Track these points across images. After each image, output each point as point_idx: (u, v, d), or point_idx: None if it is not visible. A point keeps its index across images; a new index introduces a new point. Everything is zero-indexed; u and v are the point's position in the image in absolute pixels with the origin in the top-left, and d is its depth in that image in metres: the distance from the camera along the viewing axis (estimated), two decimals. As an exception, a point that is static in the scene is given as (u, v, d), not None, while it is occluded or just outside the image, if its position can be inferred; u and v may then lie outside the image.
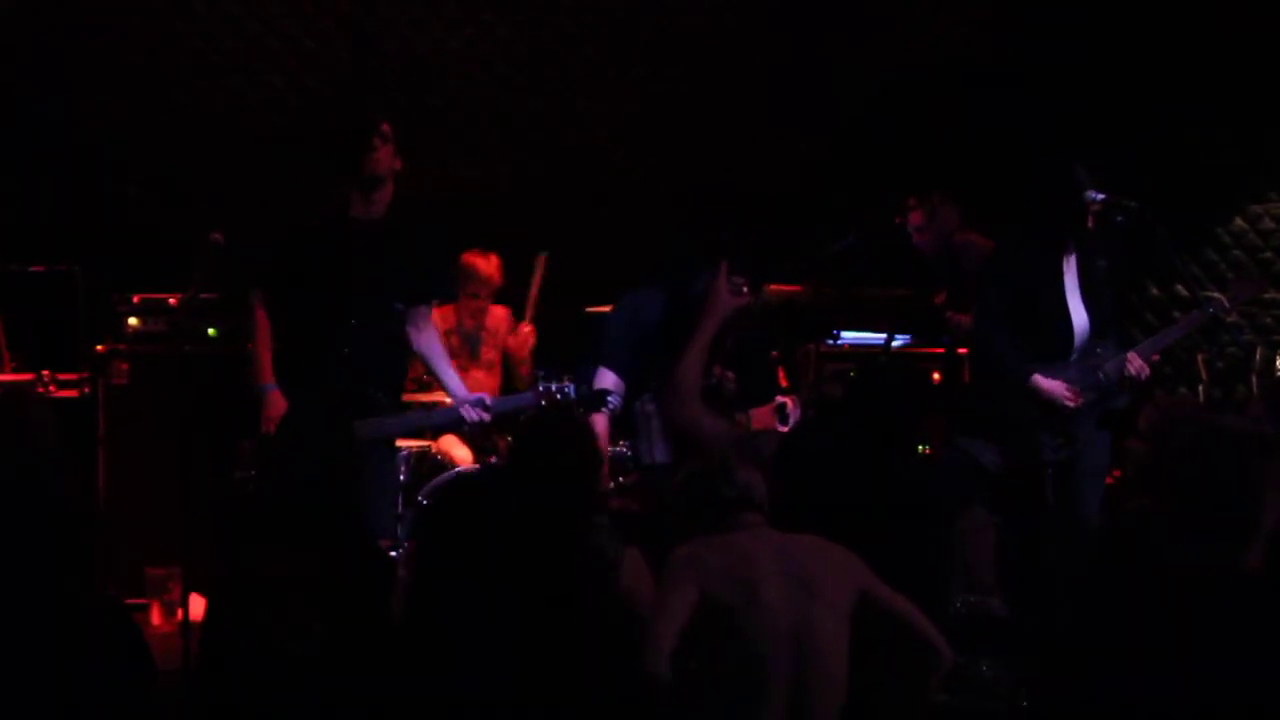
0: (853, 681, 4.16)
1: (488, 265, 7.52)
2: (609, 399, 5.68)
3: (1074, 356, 6.17)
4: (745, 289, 5.52)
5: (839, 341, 7.61)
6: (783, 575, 4.13)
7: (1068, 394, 6.07)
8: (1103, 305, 6.19)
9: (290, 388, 5.77)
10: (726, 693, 4.11)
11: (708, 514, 4.31)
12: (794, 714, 4.08)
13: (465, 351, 7.51)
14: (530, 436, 4.63)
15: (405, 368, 6.22)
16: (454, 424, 6.36)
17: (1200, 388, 7.82)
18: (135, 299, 7.31)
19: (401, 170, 5.95)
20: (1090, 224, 6.10)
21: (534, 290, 7.55)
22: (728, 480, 4.32)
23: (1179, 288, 6.86)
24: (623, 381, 5.75)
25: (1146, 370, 6.22)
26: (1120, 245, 6.24)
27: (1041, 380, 6.08)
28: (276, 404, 5.75)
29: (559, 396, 6.05)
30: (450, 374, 6.11)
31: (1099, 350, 6.18)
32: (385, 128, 5.88)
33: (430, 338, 6.11)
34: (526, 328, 7.56)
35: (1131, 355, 6.19)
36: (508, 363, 7.64)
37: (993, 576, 5.94)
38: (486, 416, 5.98)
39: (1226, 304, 6.37)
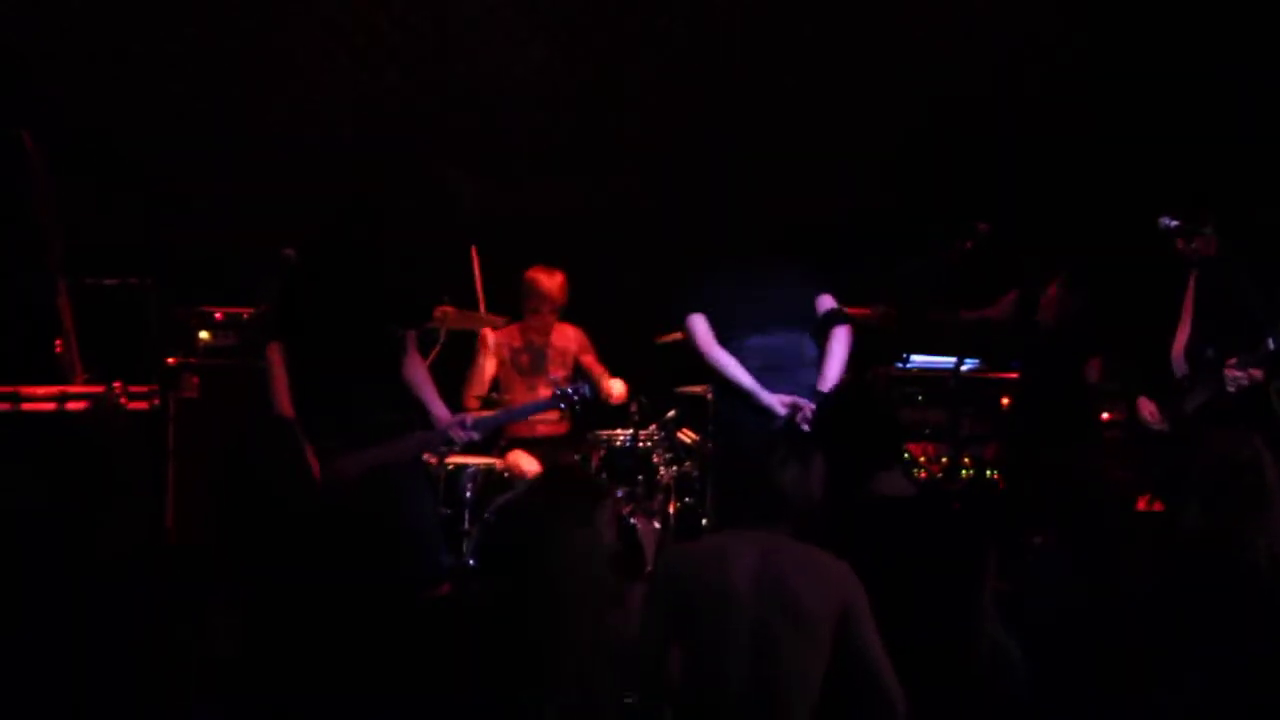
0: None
1: (550, 281, 7.49)
2: None
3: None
4: None
5: (908, 365, 7.54)
6: (757, 583, 4.06)
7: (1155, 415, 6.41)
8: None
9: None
10: (694, 695, 4.08)
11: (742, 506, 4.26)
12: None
13: (534, 369, 7.49)
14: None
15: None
16: (440, 442, 6.18)
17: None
18: (206, 313, 7.34)
19: None
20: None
21: None
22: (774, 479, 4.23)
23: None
24: None
25: None
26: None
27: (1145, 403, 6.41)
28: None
29: (576, 398, 6.53)
30: (434, 399, 6.05)
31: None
32: None
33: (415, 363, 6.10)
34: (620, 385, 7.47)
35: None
36: None
37: None
38: (475, 435, 6.06)
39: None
